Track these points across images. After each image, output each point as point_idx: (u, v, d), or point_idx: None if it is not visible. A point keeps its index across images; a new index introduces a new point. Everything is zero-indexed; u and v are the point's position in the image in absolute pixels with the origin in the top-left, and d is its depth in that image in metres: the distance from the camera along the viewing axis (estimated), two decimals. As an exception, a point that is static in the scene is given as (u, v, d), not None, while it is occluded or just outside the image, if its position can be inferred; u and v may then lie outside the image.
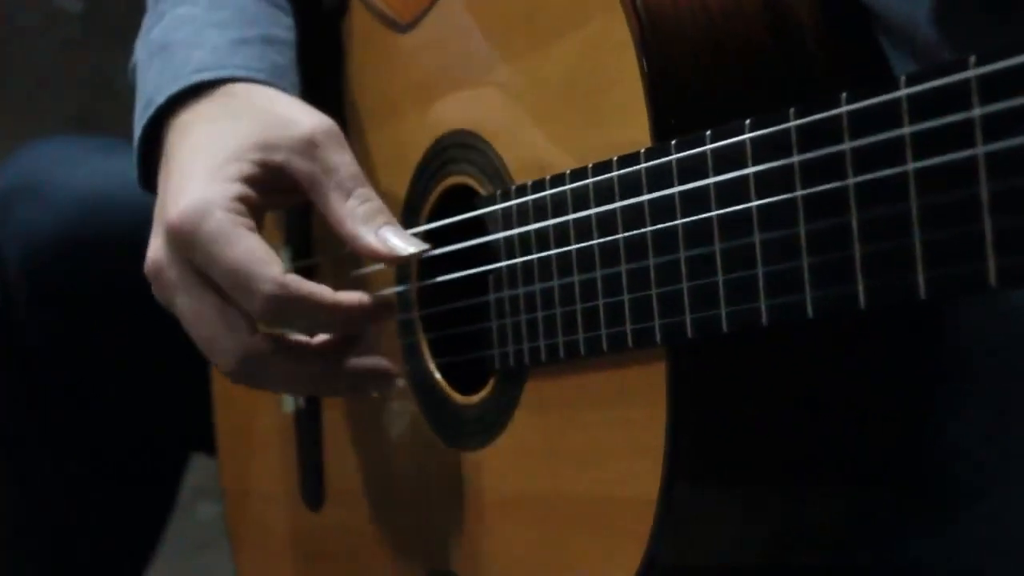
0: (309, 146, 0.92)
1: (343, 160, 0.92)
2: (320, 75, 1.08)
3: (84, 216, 1.25)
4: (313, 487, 1.12)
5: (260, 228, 0.91)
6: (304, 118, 0.94)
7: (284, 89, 0.98)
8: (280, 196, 0.95)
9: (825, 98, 0.65)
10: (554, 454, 0.85)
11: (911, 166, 0.61)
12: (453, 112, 0.94)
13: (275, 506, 1.17)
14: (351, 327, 0.93)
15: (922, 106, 0.61)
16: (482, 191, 0.91)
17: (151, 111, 0.97)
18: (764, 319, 0.70)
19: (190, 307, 0.92)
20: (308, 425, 1.12)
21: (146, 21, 1.06)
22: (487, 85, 0.91)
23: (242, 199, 0.90)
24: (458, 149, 0.94)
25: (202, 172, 0.91)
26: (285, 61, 1.02)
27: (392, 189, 1.00)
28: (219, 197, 0.90)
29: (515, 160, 0.88)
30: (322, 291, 0.90)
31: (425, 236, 0.95)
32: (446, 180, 0.95)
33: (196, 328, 0.92)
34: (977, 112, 0.58)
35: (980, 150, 0.58)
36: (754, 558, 0.83)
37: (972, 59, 0.58)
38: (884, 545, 0.86)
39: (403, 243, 0.90)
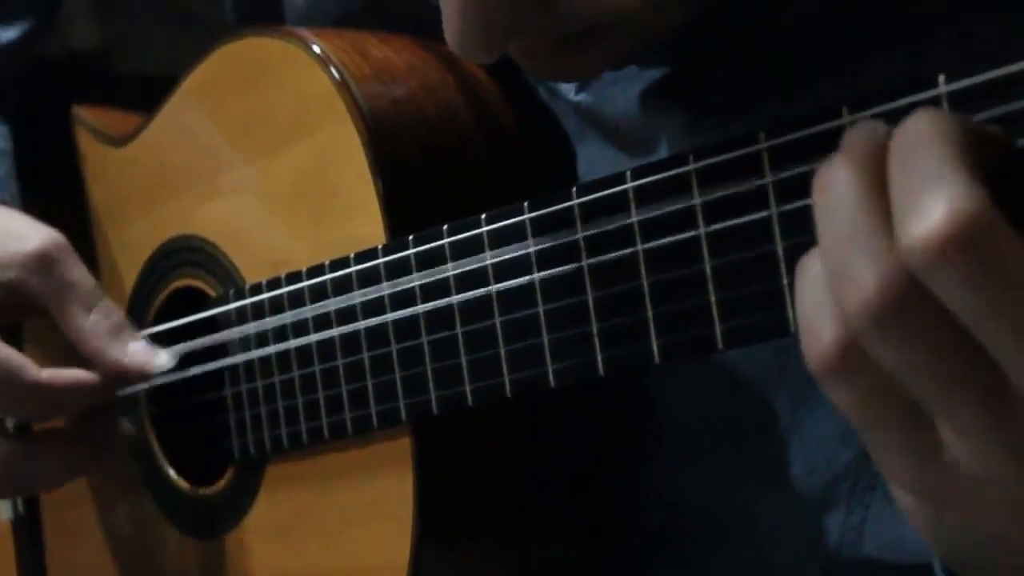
0: (43, 263, 0.93)
1: (79, 275, 0.94)
2: (40, 188, 1.10)
3: None
4: (36, 592, 1.13)
5: None
6: (33, 233, 0.95)
7: (4, 201, 1.00)
8: (13, 311, 0.96)
9: (559, 192, 0.74)
10: (302, 530, 0.91)
11: (640, 247, 0.70)
12: (177, 218, 0.99)
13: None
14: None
15: (647, 195, 0.70)
16: (211, 292, 0.96)
17: None
18: (507, 391, 0.78)
19: None
20: (28, 530, 1.13)
21: None
22: (212, 192, 0.96)
23: None
24: (184, 253, 0.99)
25: None
26: (3, 171, 1.04)
27: (115, 295, 1.03)
28: None
29: (246, 261, 0.94)
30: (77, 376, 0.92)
31: (155, 337, 0.99)
32: (172, 284, 1.00)
33: None
34: (697, 200, 0.68)
35: (702, 231, 0.67)
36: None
37: (690, 155, 0.68)
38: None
39: (153, 359, 0.94)
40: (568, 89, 0.89)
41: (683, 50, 0.82)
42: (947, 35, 0.73)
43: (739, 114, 0.80)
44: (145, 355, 0.93)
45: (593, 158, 0.89)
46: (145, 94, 1.05)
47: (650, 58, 0.84)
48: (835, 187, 0.55)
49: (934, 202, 0.50)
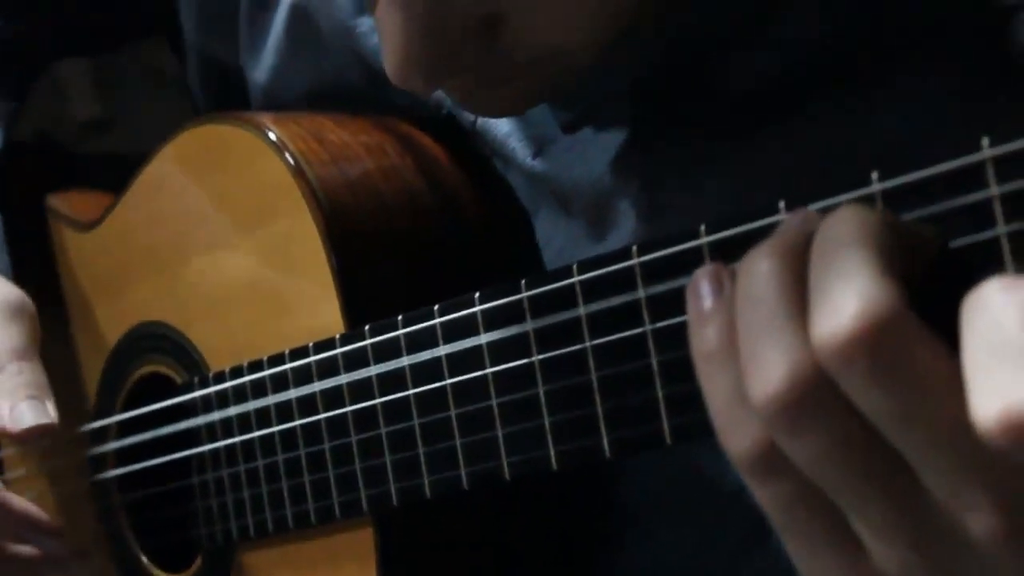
0: None
1: (5, 334, 0.93)
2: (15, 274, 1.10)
3: None
4: None
5: None
6: None
7: None
8: None
9: (509, 284, 0.73)
10: (269, 623, 0.90)
11: (588, 343, 0.69)
12: (143, 304, 0.99)
13: None
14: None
15: (593, 290, 0.69)
16: (178, 379, 0.95)
17: None
18: (464, 484, 0.77)
19: None
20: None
21: None
22: (175, 278, 0.96)
23: None
24: (150, 339, 0.98)
25: None
26: None
27: (84, 381, 1.03)
28: None
29: (209, 348, 0.93)
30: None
31: (123, 424, 0.98)
32: (139, 370, 0.99)
33: None
34: (642, 294, 0.67)
35: (648, 327, 0.67)
36: None
37: (634, 248, 0.67)
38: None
39: (30, 415, 0.90)
40: (524, 156, 0.88)
41: (640, 113, 0.82)
42: (902, 92, 0.73)
43: (696, 181, 0.80)
44: (25, 414, 0.91)
45: (548, 228, 0.88)
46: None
47: (607, 121, 0.83)
48: (756, 275, 0.54)
49: (845, 299, 0.49)
